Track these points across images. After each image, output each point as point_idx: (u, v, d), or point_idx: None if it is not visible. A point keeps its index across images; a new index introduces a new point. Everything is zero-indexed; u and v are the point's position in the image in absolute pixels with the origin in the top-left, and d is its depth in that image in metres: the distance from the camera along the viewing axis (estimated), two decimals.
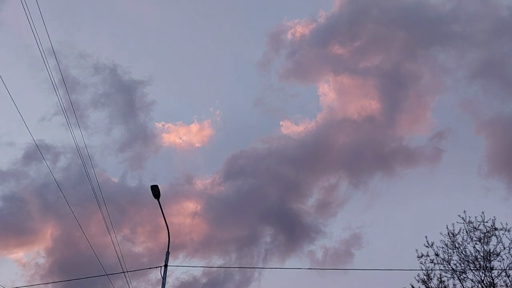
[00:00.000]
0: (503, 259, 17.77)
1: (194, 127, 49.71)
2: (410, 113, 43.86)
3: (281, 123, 50.20)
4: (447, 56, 44.82)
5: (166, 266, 15.77)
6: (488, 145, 41.00)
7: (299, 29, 47.14)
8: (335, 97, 47.22)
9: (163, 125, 48.90)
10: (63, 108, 13.21)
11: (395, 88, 43.62)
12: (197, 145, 49.17)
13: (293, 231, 38.12)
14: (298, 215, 39.17)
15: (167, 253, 16.08)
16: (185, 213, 41.06)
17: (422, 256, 18.60)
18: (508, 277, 17.54)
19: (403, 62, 43.24)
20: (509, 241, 17.96)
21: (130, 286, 16.71)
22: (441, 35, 42.62)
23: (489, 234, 18.15)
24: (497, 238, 18.08)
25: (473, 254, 18.06)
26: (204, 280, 30.98)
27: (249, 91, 57.86)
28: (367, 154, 42.26)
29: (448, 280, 18.22)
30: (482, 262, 17.87)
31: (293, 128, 46.70)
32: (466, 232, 18.41)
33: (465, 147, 45.63)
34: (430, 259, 18.54)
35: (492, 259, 17.84)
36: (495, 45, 41.40)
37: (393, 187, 47.01)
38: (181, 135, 49.01)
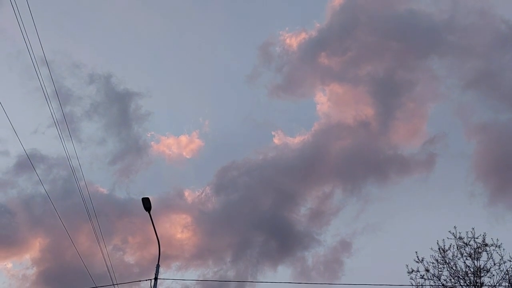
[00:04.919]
0: (493, 275, 17.85)
1: (184, 138, 49.55)
2: (404, 120, 44.13)
3: (273, 133, 50.25)
4: (442, 65, 45.23)
5: (156, 279, 15.66)
6: (477, 152, 41.45)
7: (292, 39, 47.33)
8: (331, 106, 47.29)
9: (152, 135, 48.80)
10: (55, 120, 13.16)
11: (390, 96, 43.85)
12: (187, 156, 48.97)
13: (287, 240, 38.10)
14: (292, 224, 39.14)
15: (157, 266, 15.96)
16: (177, 224, 40.87)
17: (412, 271, 18.65)
18: None
19: (399, 70, 43.55)
20: (500, 257, 18.06)
21: None
22: (436, 44, 43.04)
23: (479, 250, 18.22)
24: (487, 254, 18.17)
25: (464, 270, 18.12)
26: None
27: (240, 103, 57.76)
28: (361, 161, 42.30)
29: None
30: (472, 278, 17.91)
31: (286, 139, 46.72)
32: (457, 247, 18.50)
33: (458, 156, 45.97)
34: (421, 275, 18.58)
35: (482, 275, 17.89)
36: (491, 57, 41.87)
37: (386, 194, 47.09)
38: (171, 147, 48.82)
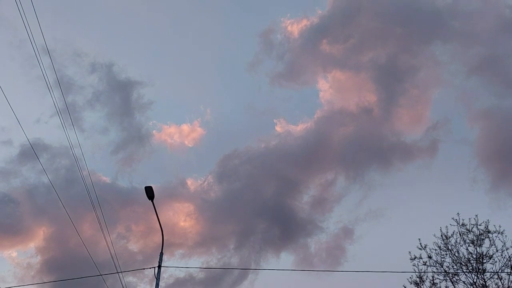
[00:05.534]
0: (496, 262, 17.88)
1: (186, 127, 49.52)
2: (407, 107, 44.01)
3: (275, 121, 50.16)
4: (445, 51, 45.02)
5: (159, 267, 15.74)
6: (480, 138, 41.40)
7: (293, 27, 47.05)
8: (334, 93, 47.22)
9: (153, 124, 48.76)
10: (57, 109, 13.16)
11: (393, 82, 43.70)
12: (189, 145, 49.01)
13: (290, 227, 38.29)
14: (295, 211, 39.31)
15: (161, 254, 16.05)
16: (180, 212, 41.03)
17: (415, 258, 18.71)
18: (500, 280, 17.66)
19: (402, 56, 43.29)
20: (502, 244, 18.09)
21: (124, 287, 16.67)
22: (439, 30, 42.75)
23: (482, 237, 18.24)
24: (490, 240, 18.20)
25: (466, 257, 18.16)
26: (201, 275, 31.02)
27: (242, 91, 57.57)
28: (364, 148, 42.30)
29: (440, 282, 18.36)
30: (474, 265, 17.97)
31: (288, 127, 46.68)
32: (460, 234, 18.52)
33: (461, 142, 45.92)
34: (423, 262, 18.65)
35: (485, 261, 17.94)
36: (495, 42, 41.62)
37: (389, 181, 47.10)
38: (173, 135, 48.83)
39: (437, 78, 45.36)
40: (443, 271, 18.29)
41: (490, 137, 39.41)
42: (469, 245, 18.29)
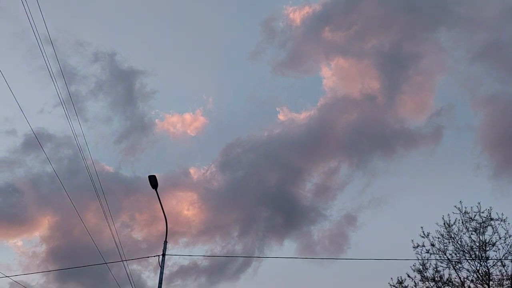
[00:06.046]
0: (499, 249, 17.95)
1: (188, 116, 49.45)
2: (411, 93, 43.71)
3: (277, 109, 50.08)
4: (450, 37, 44.73)
5: (164, 255, 15.81)
6: (483, 124, 41.23)
7: (295, 14, 46.67)
8: (337, 81, 46.86)
9: (156, 113, 48.76)
10: (61, 99, 13.15)
11: (397, 69, 43.29)
12: (192, 134, 48.92)
13: (293, 215, 38.36)
14: (298, 199, 39.32)
15: (165, 242, 16.10)
16: (183, 201, 41.14)
17: (418, 246, 18.79)
18: (504, 267, 17.73)
19: (405, 43, 42.89)
20: (505, 231, 18.11)
21: (130, 277, 16.79)
22: (444, 16, 42.32)
23: (485, 225, 18.26)
24: (493, 228, 18.23)
25: (469, 244, 18.23)
26: (205, 263, 31.23)
27: (244, 80, 57.18)
28: (367, 135, 42.05)
29: (443, 269, 18.44)
30: (477, 252, 18.02)
31: (291, 115, 46.51)
32: (462, 222, 18.54)
33: (465, 128, 45.67)
34: (426, 249, 18.73)
35: (488, 249, 18.00)
36: (499, 29, 41.25)
37: (392, 168, 46.82)
38: (176, 124, 48.77)
39: (441, 65, 45.05)
40: (446, 258, 18.36)
41: (494, 124, 39.19)
42: (472, 233, 18.34)
